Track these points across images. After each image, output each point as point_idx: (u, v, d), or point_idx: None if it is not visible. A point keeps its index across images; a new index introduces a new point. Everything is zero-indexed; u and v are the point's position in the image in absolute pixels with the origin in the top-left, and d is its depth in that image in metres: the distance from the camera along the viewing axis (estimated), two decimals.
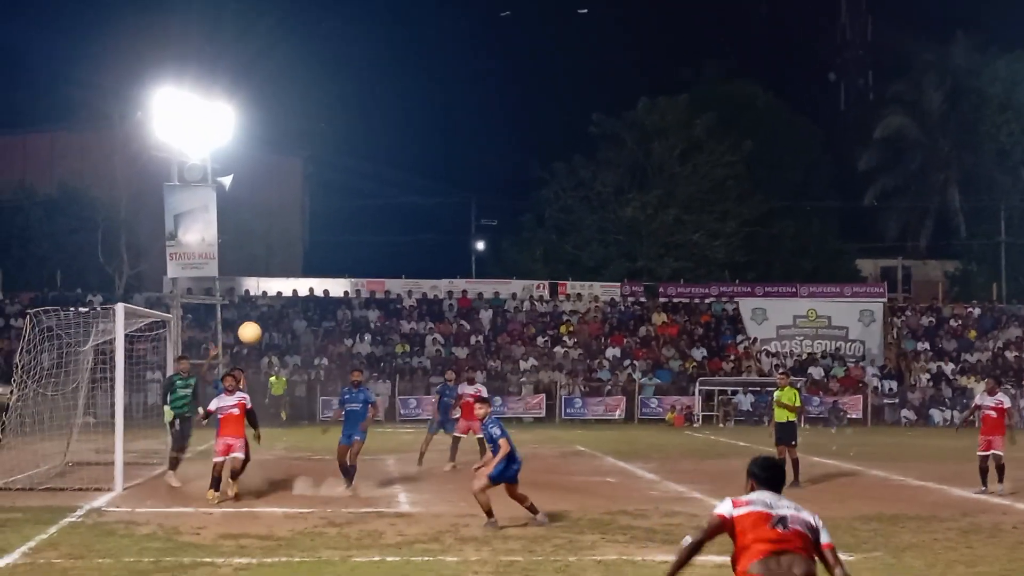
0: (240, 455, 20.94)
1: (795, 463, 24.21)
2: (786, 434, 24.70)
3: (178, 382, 24.02)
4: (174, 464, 23.47)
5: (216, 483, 20.72)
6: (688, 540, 8.32)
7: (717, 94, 71.81)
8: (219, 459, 20.80)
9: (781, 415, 24.83)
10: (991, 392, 24.23)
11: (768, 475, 8.67)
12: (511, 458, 17.94)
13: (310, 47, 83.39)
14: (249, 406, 21.26)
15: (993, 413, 23.61)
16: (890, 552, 16.22)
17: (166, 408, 23.80)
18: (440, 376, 49.03)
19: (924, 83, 74.81)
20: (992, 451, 23.31)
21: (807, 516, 8.33)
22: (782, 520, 8.15)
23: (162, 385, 24.29)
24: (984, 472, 23.35)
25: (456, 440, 27.95)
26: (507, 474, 17.97)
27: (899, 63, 79.57)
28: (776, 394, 25.32)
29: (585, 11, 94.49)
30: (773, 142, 70.74)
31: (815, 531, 8.28)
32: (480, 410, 18.72)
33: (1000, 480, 23.19)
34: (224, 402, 21.08)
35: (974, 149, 72.16)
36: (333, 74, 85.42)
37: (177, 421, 23.63)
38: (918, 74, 75.54)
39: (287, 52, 72.29)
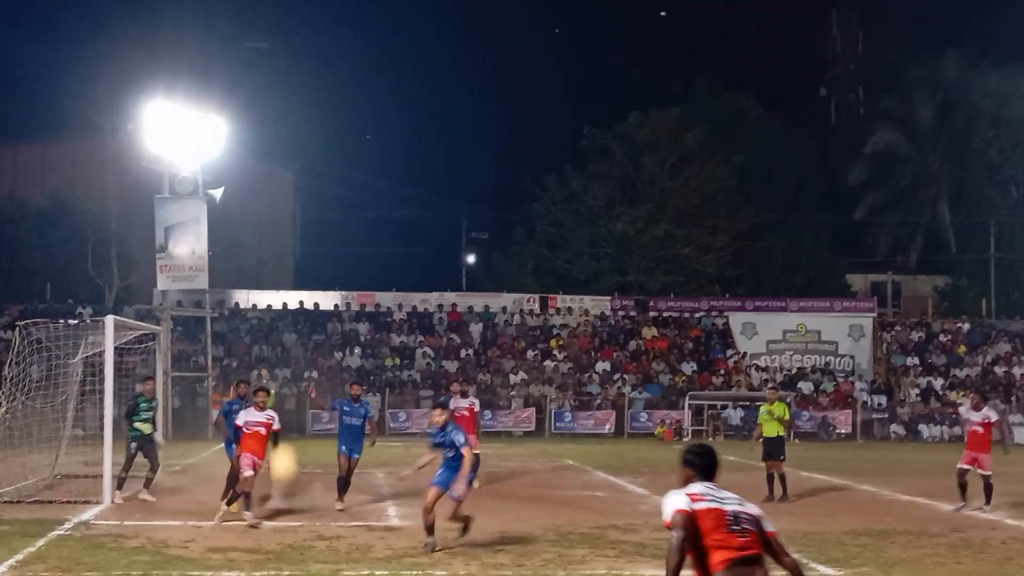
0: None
1: (782, 478, 24.08)
2: (776, 448, 24.45)
3: (142, 404, 23.62)
4: (123, 483, 23.04)
5: (248, 498, 19.96)
6: (673, 549, 7.91)
7: (708, 108, 71.82)
8: (248, 473, 19.78)
9: (771, 429, 24.57)
10: (976, 407, 23.64)
11: (705, 462, 8.53)
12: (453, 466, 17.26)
13: (302, 59, 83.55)
14: (277, 427, 20.57)
15: (980, 428, 23.12)
16: (879, 567, 16.22)
17: (143, 424, 23.44)
18: (430, 390, 49.13)
19: (915, 98, 75.02)
20: (979, 469, 22.89)
21: (751, 508, 8.20)
22: (736, 518, 8.01)
23: (128, 406, 23.88)
24: (963, 487, 22.96)
25: None
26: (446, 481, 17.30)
27: (890, 78, 79.78)
28: (765, 408, 25.05)
29: (558, 31, 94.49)
30: (764, 156, 70.83)
31: (759, 522, 8.16)
32: (440, 416, 17.90)
33: (987, 501, 22.76)
34: (252, 417, 20.27)
35: (964, 164, 72.35)
36: (324, 85, 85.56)
37: (134, 444, 23.32)
38: (909, 89, 75.76)
39: (278, 63, 72.35)
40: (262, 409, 20.51)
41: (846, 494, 26.40)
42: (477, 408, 27.10)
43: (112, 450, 22.41)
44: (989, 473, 22.93)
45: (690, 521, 7.98)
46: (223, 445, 21.53)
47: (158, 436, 24.29)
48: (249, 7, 72.59)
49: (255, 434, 20.20)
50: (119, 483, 23.01)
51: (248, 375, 49.48)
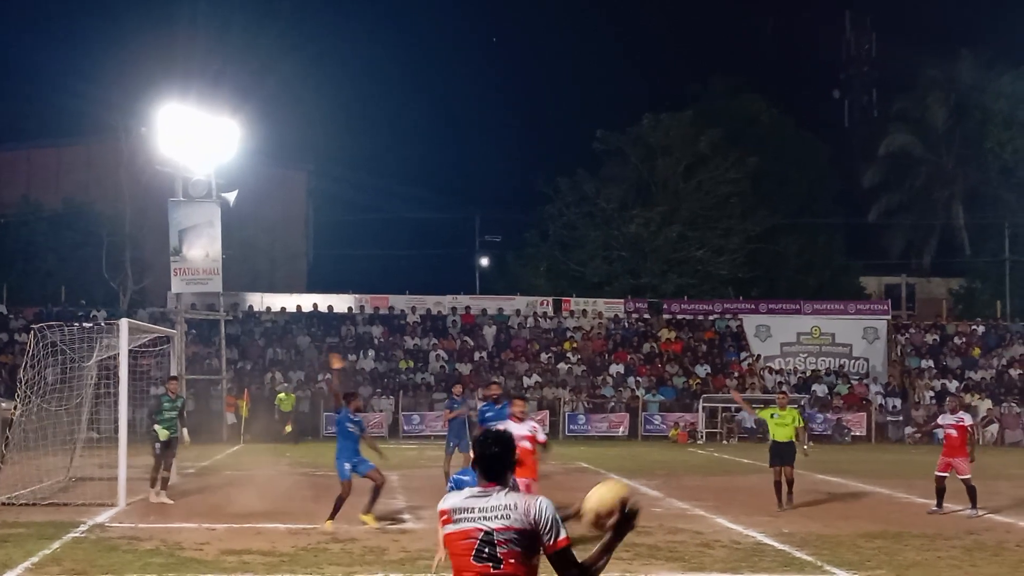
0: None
1: (790, 484, 23.26)
2: (787, 453, 23.50)
3: (166, 403, 23.93)
4: (156, 483, 23.48)
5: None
6: None
7: (722, 110, 71.74)
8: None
9: (783, 433, 23.60)
10: (953, 411, 23.44)
11: (482, 454, 6.79)
12: None
13: (315, 60, 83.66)
14: (542, 438, 19.52)
15: (954, 432, 22.90)
16: (894, 570, 16.18)
17: (158, 427, 23.65)
18: (444, 392, 49.12)
19: (929, 100, 74.82)
20: (957, 475, 22.58)
21: (519, 519, 6.53)
22: (489, 541, 6.54)
23: (149, 405, 24.16)
24: (940, 493, 22.77)
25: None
26: None
27: (904, 80, 79.64)
28: (776, 413, 23.92)
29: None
30: (777, 158, 70.70)
31: (533, 537, 6.57)
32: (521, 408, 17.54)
33: (973, 505, 22.48)
34: (516, 431, 19.58)
35: (978, 166, 72.19)
36: (338, 87, 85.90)
37: (158, 444, 23.51)
38: (923, 91, 75.53)
39: (292, 65, 72.43)
40: (521, 420, 17.63)
41: (860, 496, 26.34)
42: (540, 436, 18.18)
43: (127, 453, 22.46)
44: (968, 477, 22.65)
45: (443, 546, 6.91)
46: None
47: (185, 435, 24.51)
48: (263, 10, 72.67)
49: (521, 450, 18.87)
50: (163, 483, 23.56)
51: (261, 378, 49.67)
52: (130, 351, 23.32)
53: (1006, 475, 26.58)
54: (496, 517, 6.51)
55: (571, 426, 49.60)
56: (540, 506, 6.54)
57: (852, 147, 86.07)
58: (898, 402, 52.31)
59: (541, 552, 6.60)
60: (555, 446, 44.85)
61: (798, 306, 59.20)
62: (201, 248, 43.31)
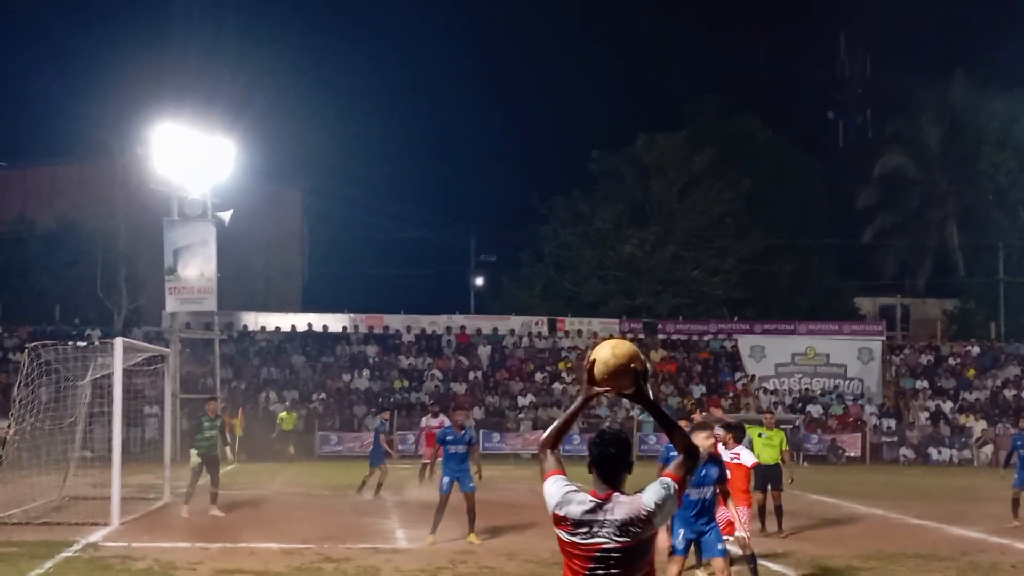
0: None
1: (779, 510, 22.65)
2: (774, 477, 22.76)
3: (205, 423, 24.64)
4: (189, 499, 24.00)
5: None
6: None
7: (716, 131, 71.88)
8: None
9: (769, 456, 22.76)
10: (728, 445, 22.61)
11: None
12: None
13: (311, 79, 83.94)
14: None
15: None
16: None
17: (192, 451, 24.44)
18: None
19: (923, 121, 74.99)
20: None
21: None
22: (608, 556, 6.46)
23: (190, 429, 24.86)
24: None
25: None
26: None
27: (898, 101, 79.80)
28: (764, 432, 23.38)
29: (566, 56, 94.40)
30: (772, 179, 70.81)
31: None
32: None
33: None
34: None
35: (972, 187, 72.32)
36: (333, 107, 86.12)
37: (200, 462, 24.08)
38: (917, 112, 75.72)
39: (288, 84, 72.75)
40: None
41: (855, 518, 26.31)
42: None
43: (121, 472, 22.45)
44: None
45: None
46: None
47: (228, 453, 25.08)
48: (259, 30, 72.85)
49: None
50: (212, 498, 24.09)
51: (256, 397, 49.63)
52: (124, 370, 23.33)
53: (1000, 497, 26.54)
54: (619, 535, 6.39)
55: (566, 446, 49.20)
56: (647, 502, 6.48)
57: (846, 168, 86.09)
58: (893, 423, 52.31)
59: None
60: None
61: (792, 327, 59.20)
62: (196, 267, 43.36)
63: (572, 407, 6.80)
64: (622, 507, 6.43)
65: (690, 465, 6.56)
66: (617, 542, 6.35)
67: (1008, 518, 23.95)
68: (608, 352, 6.61)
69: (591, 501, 6.46)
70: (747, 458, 18.26)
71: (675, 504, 6.53)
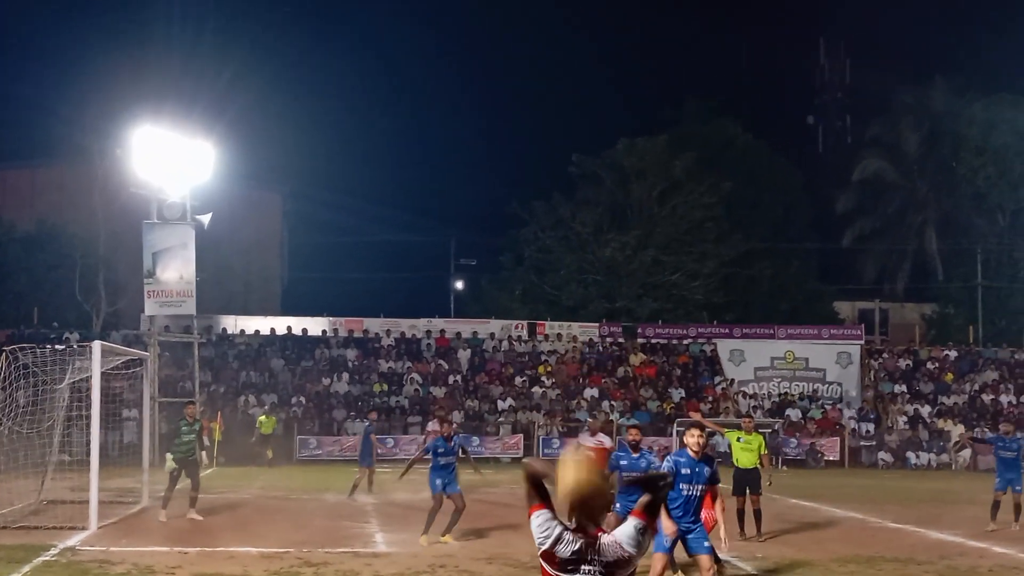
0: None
1: (757, 514, 22.67)
2: (752, 481, 22.84)
3: (184, 427, 24.63)
4: (167, 503, 23.96)
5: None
6: None
7: (696, 135, 71.94)
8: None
9: (747, 460, 22.98)
10: (592, 432, 23.20)
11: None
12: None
13: (291, 82, 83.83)
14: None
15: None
16: None
17: (168, 456, 24.51)
18: (419, 416, 49.10)
19: (902, 126, 75.29)
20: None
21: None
22: None
23: (169, 433, 24.83)
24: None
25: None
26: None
27: (877, 106, 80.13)
28: (742, 437, 23.28)
29: (546, 57, 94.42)
30: (752, 183, 70.95)
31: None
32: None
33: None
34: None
35: (951, 192, 72.57)
36: (313, 110, 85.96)
37: (176, 468, 24.06)
38: (896, 117, 76.03)
39: (268, 87, 72.62)
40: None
41: (834, 521, 26.36)
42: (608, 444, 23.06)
43: (99, 475, 22.37)
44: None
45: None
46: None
47: (203, 457, 25.09)
48: (239, 32, 72.75)
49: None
50: (164, 502, 23.94)
51: (235, 401, 49.51)
52: (103, 373, 23.26)
53: (979, 500, 26.65)
54: (604, 574, 6.53)
55: (546, 450, 49.52)
56: (627, 547, 6.55)
57: (826, 172, 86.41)
58: (871, 427, 52.45)
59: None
60: None
61: (772, 331, 59.29)
62: (175, 270, 43.23)
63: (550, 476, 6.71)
64: (608, 549, 6.55)
65: (655, 505, 6.72)
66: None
67: (986, 521, 24.03)
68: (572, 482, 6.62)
69: (578, 541, 6.55)
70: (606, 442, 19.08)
71: (651, 539, 6.75)
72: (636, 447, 19.03)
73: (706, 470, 14.74)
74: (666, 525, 13.93)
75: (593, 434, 23.58)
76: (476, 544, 20.52)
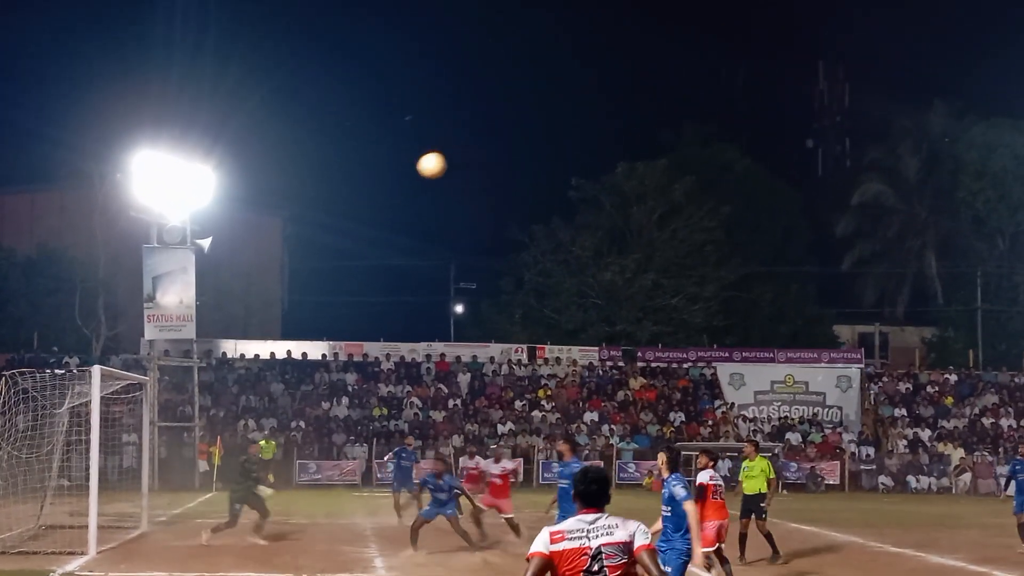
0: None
1: (768, 536, 22.54)
2: (755, 506, 22.83)
3: (249, 465, 25.70)
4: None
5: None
6: None
7: (696, 159, 72.03)
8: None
9: (753, 486, 23.04)
10: (497, 460, 25.95)
11: (586, 489, 8.11)
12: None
13: (291, 107, 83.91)
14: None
15: (498, 480, 24.70)
16: None
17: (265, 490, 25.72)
18: (418, 440, 49.04)
19: (901, 150, 75.40)
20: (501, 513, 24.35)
21: (622, 535, 7.90)
22: (597, 555, 7.74)
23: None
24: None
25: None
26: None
27: (876, 130, 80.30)
28: (746, 465, 23.60)
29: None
30: (751, 207, 70.99)
31: (629, 545, 7.86)
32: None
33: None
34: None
35: (951, 216, 72.59)
36: (313, 134, 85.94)
37: (237, 505, 24.79)
38: (895, 141, 76.14)
39: (268, 111, 72.63)
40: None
41: (834, 546, 26.29)
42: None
43: (97, 500, 22.33)
44: (510, 515, 24.37)
45: (545, 565, 7.77)
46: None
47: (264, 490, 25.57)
48: (239, 56, 72.88)
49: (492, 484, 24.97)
50: (217, 528, 24.42)
51: (235, 425, 49.44)
52: (102, 398, 23.24)
53: (979, 524, 26.62)
54: (602, 534, 7.86)
55: (545, 474, 49.41)
56: (632, 523, 8.01)
57: (825, 196, 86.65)
58: (871, 451, 52.39)
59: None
60: (529, 494, 44.78)
61: (772, 354, 59.25)
62: (175, 294, 43.26)
63: None
64: (613, 518, 7.99)
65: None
66: (597, 543, 7.85)
67: (988, 545, 23.98)
68: None
69: (582, 519, 7.96)
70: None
71: (645, 539, 8.04)
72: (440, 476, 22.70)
73: (665, 493, 15.11)
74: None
75: (497, 460, 25.87)
76: (473, 572, 20.44)
